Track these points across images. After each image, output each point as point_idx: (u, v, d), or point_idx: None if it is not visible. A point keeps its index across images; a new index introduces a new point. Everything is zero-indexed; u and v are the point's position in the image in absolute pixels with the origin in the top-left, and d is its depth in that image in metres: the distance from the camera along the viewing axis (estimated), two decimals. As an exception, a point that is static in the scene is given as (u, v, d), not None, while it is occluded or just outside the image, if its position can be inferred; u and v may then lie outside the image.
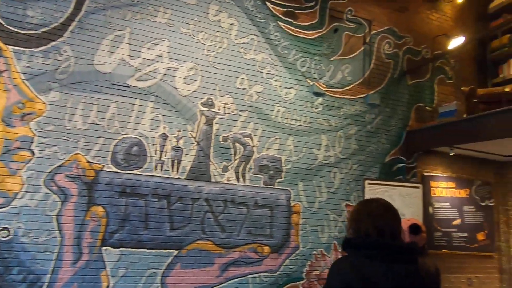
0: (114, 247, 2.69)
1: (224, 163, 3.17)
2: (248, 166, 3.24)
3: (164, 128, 3.00)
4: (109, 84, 2.86)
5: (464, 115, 3.32)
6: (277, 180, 3.32)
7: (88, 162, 2.72)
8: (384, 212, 1.17)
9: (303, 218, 3.34)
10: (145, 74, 3.00)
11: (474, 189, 4.11)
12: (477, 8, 4.62)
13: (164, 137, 2.99)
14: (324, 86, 3.66)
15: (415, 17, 4.29)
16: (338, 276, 1.09)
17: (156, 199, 2.87)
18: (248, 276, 3.07)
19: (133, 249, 2.74)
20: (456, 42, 3.98)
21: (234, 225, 3.09)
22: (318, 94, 3.60)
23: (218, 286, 2.97)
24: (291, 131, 3.46)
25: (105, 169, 2.76)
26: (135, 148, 2.88)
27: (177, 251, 2.88)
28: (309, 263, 3.29)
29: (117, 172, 2.79)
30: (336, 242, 3.42)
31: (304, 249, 3.29)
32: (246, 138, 3.28)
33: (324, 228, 3.40)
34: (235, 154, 3.22)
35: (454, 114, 3.41)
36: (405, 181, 3.64)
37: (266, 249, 3.17)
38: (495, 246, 4.08)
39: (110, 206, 2.72)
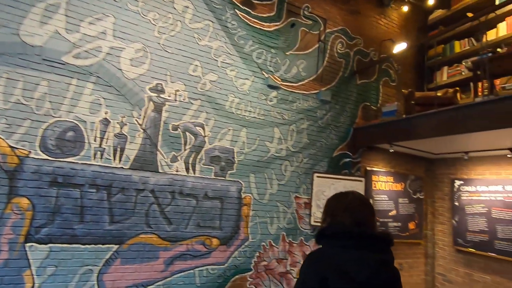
0: (41, 243, 2.40)
1: (173, 153, 3.02)
2: (199, 156, 3.14)
3: (106, 112, 2.74)
4: (39, 59, 2.51)
5: (403, 115, 3.61)
6: (229, 172, 3.27)
7: (10, 147, 2.37)
8: (361, 204, 1.18)
9: (253, 210, 3.35)
10: (85, 51, 2.70)
11: (408, 183, 4.54)
12: (419, 19, 5.05)
13: (106, 122, 2.73)
14: (279, 79, 3.69)
15: (366, 21, 4.54)
16: (314, 267, 1.06)
17: (94, 190, 2.62)
18: (195, 269, 2.99)
19: (65, 245, 2.48)
20: (399, 47, 4.30)
21: (182, 218, 2.98)
22: (273, 87, 3.61)
23: (162, 281, 2.84)
24: (244, 123, 3.43)
25: (31, 155, 2.43)
26: (70, 133, 2.59)
27: (117, 246, 2.68)
28: (257, 254, 3.32)
29: (47, 159, 2.48)
30: (285, 233, 3.50)
31: (253, 240, 3.31)
32: (197, 128, 3.17)
33: (273, 219, 3.46)
34: (185, 144, 3.09)
35: (395, 113, 3.69)
36: (350, 174, 3.86)
37: (215, 241, 3.11)
38: (423, 234, 4.57)
39: (37, 198, 2.42)
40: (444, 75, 4.57)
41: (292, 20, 3.85)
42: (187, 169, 3.06)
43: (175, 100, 3.08)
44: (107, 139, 2.72)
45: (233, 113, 3.37)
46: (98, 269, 2.59)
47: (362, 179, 3.67)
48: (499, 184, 3.86)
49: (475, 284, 3.96)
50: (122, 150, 2.77)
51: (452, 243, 4.30)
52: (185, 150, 3.08)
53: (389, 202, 4.30)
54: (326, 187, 3.64)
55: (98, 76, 2.73)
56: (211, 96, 3.27)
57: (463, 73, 4.31)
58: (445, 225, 4.46)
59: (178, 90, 3.10)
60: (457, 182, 4.36)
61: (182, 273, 2.93)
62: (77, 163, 2.58)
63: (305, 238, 3.62)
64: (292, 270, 3.49)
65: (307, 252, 3.53)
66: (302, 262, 1.12)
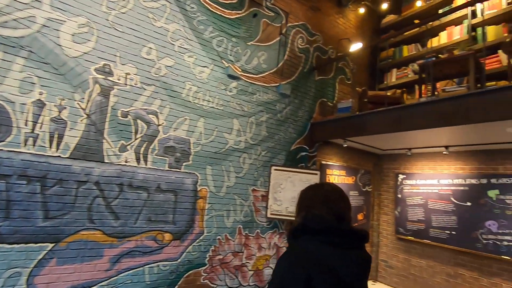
0: (-48, 244, 2.02)
1: (122, 141, 2.77)
2: (151, 146, 2.92)
3: (41, 93, 2.40)
4: (-48, 24, 2.08)
5: (357, 112, 3.78)
6: (184, 164, 3.11)
7: None
8: (339, 196, 1.08)
9: (209, 203, 3.25)
10: (14, 20, 2.31)
11: (358, 177, 4.81)
12: (373, 21, 5.34)
13: (40, 104, 2.39)
14: (240, 70, 3.60)
15: (326, 19, 4.65)
16: (295, 269, 0.93)
17: (24, 182, 2.28)
18: (145, 266, 2.80)
19: (-15, 245, 2.12)
20: (355, 46, 4.49)
21: (131, 212, 2.76)
22: (233, 77, 3.51)
23: (107, 281, 2.61)
24: (202, 113, 3.28)
25: None
26: (-7, 115, 2.21)
27: (53, 244, 2.38)
28: (212, 248, 3.23)
29: (-39, 145, 2.08)
30: (241, 226, 3.46)
31: (208, 234, 3.21)
32: (150, 116, 2.94)
33: (230, 212, 3.39)
34: (136, 133, 2.85)
35: (350, 110, 3.85)
36: (306, 168, 3.95)
37: (168, 236, 2.95)
38: (370, 224, 4.90)
39: None
40: (393, 77, 4.90)
41: (254, 10, 3.77)
42: (137, 160, 2.83)
43: (125, 84, 2.81)
44: (42, 123, 2.38)
45: (190, 101, 3.21)
46: (29, 271, 2.28)
47: (318, 172, 3.78)
48: (435, 178, 4.28)
49: (412, 268, 4.36)
50: (61, 137, 2.46)
51: (394, 232, 4.68)
52: (136, 139, 2.84)
53: (341, 195, 4.51)
54: (283, 180, 3.67)
55: (30, 51, 2.36)
56: (166, 82, 3.06)
57: (409, 76, 4.66)
58: (389, 216, 4.83)
59: (129, 74, 2.83)
60: (400, 176, 4.74)
61: (130, 271, 2.72)
62: (2, 150, 2.21)
63: (262, 231, 3.63)
64: (248, 262, 3.47)
65: (263, 245, 3.54)
66: (276, 264, 0.99)
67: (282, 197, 3.63)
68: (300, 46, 4.26)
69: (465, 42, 3.84)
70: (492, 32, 3.75)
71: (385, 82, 5.02)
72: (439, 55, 3.70)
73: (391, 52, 5.01)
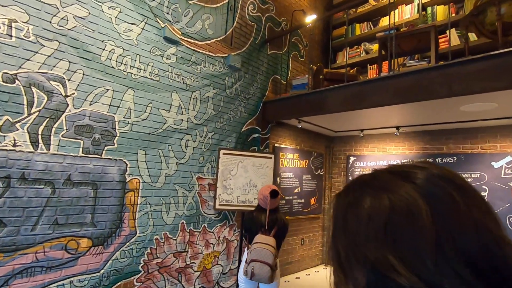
0: None
1: (7, 117, 1.96)
2: (55, 125, 2.16)
3: None
4: None
5: (312, 90, 3.47)
6: (107, 148, 2.41)
7: None
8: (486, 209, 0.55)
9: (143, 197, 2.62)
10: None
11: (311, 160, 4.61)
12: (326, -3, 5.07)
13: None
14: (179, 33, 2.94)
15: (279, -13, 4.20)
16: None
17: None
18: (51, 285, 2.10)
19: None
20: (309, 18, 4.15)
21: (26, 215, 2.00)
22: (171, 41, 2.85)
23: (-11, 313, 1.85)
24: (131, 83, 2.58)
25: None
26: None
27: None
28: (148, 251, 2.63)
29: None
30: (185, 221, 2.92)
31: (142, 235, 2.60)
32: (53, 83, 2.16)
33: (170, 206, 2.81)
34: (30, 105, 2.05)
35: (305, 87, 3.52)
36: (259, 151, 3.54)
37: (85, 242, 2.26)
38: (322, 208, 4.79)
39: None
40: (345, 56, 4.72)
41: (197, -40, 3.11)
42: (34, 143, 2.05)
43: (10, 36, 1.97)
44: None
45: (113, 67, 2.47)
46: None
47: (272, 156, 3.40)
48: (385, 159, 4.28)
49: (362, 249, 4.36)
50: None
51: (345, 215, 4.63)
52: (30, 114, 2.05)
53: (294, 180, 4.25)
54: (233, 166, 3.20)
55: None
56: (77, 39, 2.27)
57: (362, 55, 4.53)
58: (340, 199, 4.76)
59: (14, 21, 1.99)
60: (352, 158, 4.67)
61: (27, 295, 1.99)
62: None
63: (209, 225, 3.13)
64: (193, 263, 2.97)
65: (211, 240, 3.06)
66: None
67: (232, 185, 3.17)
68: (251, 14, 3.74)
69: (418, 20, 3.77)
70: (441, 12, 3.75)
71: (337, 62, 4.84)
72: (401, 29, 3.56)
73: (344, 31, 4.82)
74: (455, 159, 3.63)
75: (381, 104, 2.65)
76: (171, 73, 2.88)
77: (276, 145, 3.98)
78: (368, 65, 4.42)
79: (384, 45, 3.00)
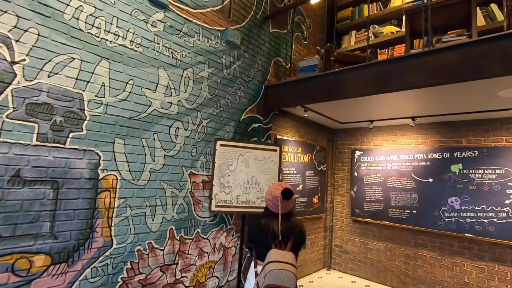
0: None
1: None
2: (-3, 101, 1.57)
3: None
4: None
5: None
6: (72, 135, 1.84)
7: None
8: None
9: (121, 198, 2.06)
10: None
11: (314, 154, 4.16)
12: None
13: None
14: (169, -5, 2.39)
15: (281, -43, 3.68)
16: None
17: None
18: (-9, 321, 1.53)
19: None
20: (317, -5, 3.67)
21: (-49, 226, 1.41)
22: (157, 3, 2.29)
23: None
24: (105, 52, 2.01)
25: None
26: None
27: None
28: (128, 266, 2.09)
29: None
30: (174, 227, 2.39)
31: (120, 246, 2.05)
32: (-7, 43, 1.56)
33: (156, 209, 2.27)
34: (-43, 72, 1.45)
35: (315, 69, 3.05)
36: (260, 143, 3.04)
37: (40, 260, 1.69)
38: (324, 207, 4.37)
39: None
40: (352, 40, 4.30)
41: None
42: (-36, 126, 1.46)
43: None
44: None
45: (81, 30, 1.89)
46: None
47: (277, 148, 2.91)
48: (395, 154, 3.89)
49: (369, 252, 3.99)
50: None
51: (350, 214, 4.24)
52: (-44, 84, 1.45)
53: (297, 176, 3.79)
54: (233, 159, 2.69)
55: None
56: (29, -14, 1.68)
57: (371, 39, 4.10)
58: (344, 197, 4.36)
59: None
60: (357, 153, 4.27)
61: None
62: None
63: (203, 230, 2.62)
64: (185, 277, 2.45)
65: (205, 248, 2.56)
66: None
67: (231, 182, 2.66)
68: (252, -17, 3.21)
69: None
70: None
71: (343, 46, 4.39)
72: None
73: (349, 12, 4.38)
74: (476, 153, 3.28)
75: (414, 86, 2.21)
76: (158, 44, 2.32)
77: (278, 136, 3.50)
78: (378, 49, 4.00)
79: (411, 20, 2.56)
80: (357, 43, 4.24)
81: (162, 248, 2.30)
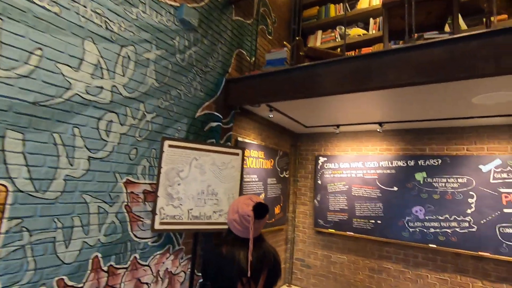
0: None
1: None
2: None
3: None
4: None
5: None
6: None
7: None
8: None
9: (13, 219, 1.41)
10: None
11: (277, 160, 3.80)
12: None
13: None
14: None
15: None
16: None
17: None
18: None
19: None
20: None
21: None
22: (86, -48, 1.70)
23: None
24: (-7, 2, 1.36)
25: None
26: None
27: None
28: (21, 319, 1.43)
29: None
30: (100, 255, 1.77)
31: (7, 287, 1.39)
32: None
33: (72, 232, 1.64)
34: None
35: (284, 63, 2.69)
36: (221, 145, 2.55)
37: None
38: (286, 218, 4.02)
39: None
40: (318, 40, 4.08)
41: None
42: None
43: None
44: None
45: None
46: None
47: (239, 151, 2.46)
48: (360, 161, 3.72)
49: (332, 266, 3.73)
50: None
51: (312, 225, 3.95)
52: None
53: (259, 184, 3.38)
54: (184, 164, 2.16)
55: None
56: None
57: (337, 40, 3.92)
58: (306, 206, 4.07)
59: None
60: (321, 159, 4.02)
61: None
62: None
63: (142, 255, 2.03)
64: (113, 321, 1.83)
65: (145, 278, 1.98)
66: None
67: (182, 192, 2.13)
68: (213, -42, 2.75)
69: None
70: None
71: (308, 45, 4.15)
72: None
73: (316, 11, 4.17)
74: (439, 162, 3.23)
75: (397, 85, 1.96)
76: (85, 7, 1.71)
77: (239, 139, 3.05)
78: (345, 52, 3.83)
79: (390, 15, 2.34)
80: (324, 43, 4.03)
81: (81, 285, 1.67)
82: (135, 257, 1.97)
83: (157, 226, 2.02)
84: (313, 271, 3.86)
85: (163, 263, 2.18)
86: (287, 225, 4.08)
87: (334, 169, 3.89)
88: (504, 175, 2.90)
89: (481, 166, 3.03)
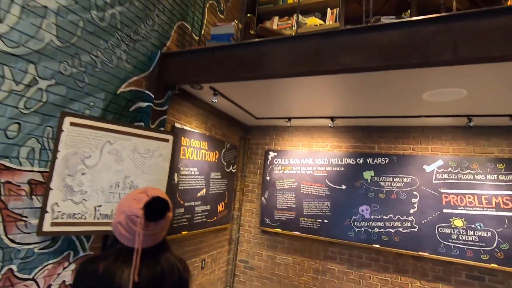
0: None
1: None
2: None
3: None
4: None
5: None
6: None
7: None
8: None
9: None
10: None
11: (223, 153, 3.45)
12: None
13: None
14: None
15: None
16: None
17: None
18: None
19: None
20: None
21: None
22: None
23: None
24: None
25: None
26: None
27: None
28: None
29: None
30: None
31: None
32: None
33: None
34: None
35: (231, 39, 2.34)
36: (148, 129, 2.11)
37: None
38: (231, 216, 3.69)
39: None
40: (274, 26, 3.81)
41: None
42: None
43: None
44: None
45: None
46: None
47: (170, 137, 2.05)
48: (310, 157, 3.55)
49: (277, 267, 3.50)
50: None
51: (259, 224, 3.69)
52: None
53: (199, 178, 2.99)
54: (94, 148, 1.70)
55: None
56: None
57: (293, 28, 3.69)
58: (254, 204, 3.79)
59: None
60: (271, 154, 3.77)
61: None
62: None
63: (24, 265, 1.53)
64: None
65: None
66: None
67: (87, 184, 1.66)
68: None
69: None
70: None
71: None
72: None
73: (273, -4, 3.90)
74: (387, 160, 3.18)
75: (352, 69, 1.74)
76: None
77: (177, 125, 2.64)
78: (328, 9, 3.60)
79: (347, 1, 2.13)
80: (280, 30, 3.77)
81: None
82: (10, 269, 1.46)
83: (46, 227, 1.53)
84: (256, 273, 3.60)
85: (58, 274, 1.69)
86: (232, 224, 3.77)
87: (284, 165, 3.67)
88: (445, 176, 2.93)
89: (425, 166, 3.03)
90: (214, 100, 2.60)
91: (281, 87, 2.37)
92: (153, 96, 2.26)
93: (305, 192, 3.49)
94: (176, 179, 2.61)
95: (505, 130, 2.81)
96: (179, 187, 2.66)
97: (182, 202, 2.71)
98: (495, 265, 2.61)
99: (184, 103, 2.74)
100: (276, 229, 3.54)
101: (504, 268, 2.59)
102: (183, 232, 2.71)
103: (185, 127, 2.76)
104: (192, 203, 2.87)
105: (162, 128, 2.32)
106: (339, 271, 3.21)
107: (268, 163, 3.76)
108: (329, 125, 3.15)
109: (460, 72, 1.76)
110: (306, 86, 2.26)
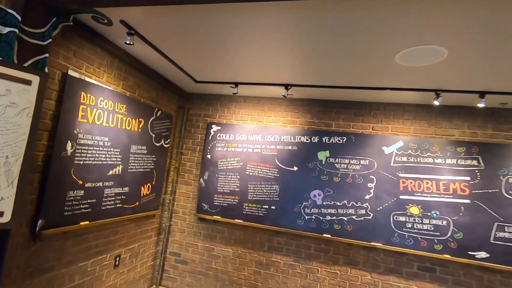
0: None
1: None
2: None
3: None
4: None
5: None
6: None
7: None
8: None
9: None
10: None
11: (151, 122, 2.74)
12: None
13: None
14: None
15: None
16: None
17: None
18: None
19: None
20: None
21: None
22: None
23: None
24: None
25: None
26: None
27: None
28: None
29: None
30: None
31: None
32: None
33: None
34: None
35: None
36: (7, 65, 1.32)
37: None
38: (160, 201, 3.03)
39: None
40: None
41: None
42: None
43: None
44: None
45: None
46: None
47: (36, 77, 1.30)
48: (259, 133, 3.02)
49: (214, 260, 2.98)
50: None
51: (195, 210, 3.09)
52: None
53: (111, 152, 2.26)
54: None
55: None
56: None
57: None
58: (190, 186, 3.17)
59: None
60: (214, 128, 3.16)
61: None
62: None
63: None
64: None
65: None
66: None
67: None
68: None
69: None
70: None
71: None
72: None
73: None
74: (344, 140, 2.79)
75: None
76: None
77: (72, 73, 1.85)
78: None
79: None
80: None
81: None
82: None
83: None
84: (190, 268, 3.03)
85: None
86: (162, 210, 3.11)
87: (229, 142, 3.09)
88: (404, 159, 2.64)
89: (384, 148, 2.71)
90: (127, 42, 1.86)
91: (222, 31, 1.74)
92: (19, 18, 1.46)
93: (251, 174, 2.97)
94: (69, 150, 1.86)
95: (467, 111, 2.58)
96: (75, 161, 1.92)
97: (80, 182, 1.97)
98: (448, 256, 2.41)
99: (87, 44, 1.95)
100: (215, 217, 2.99)
101: (455, 258, 2.40)
102: (81, 223, 1.99)
103: (88, 79, 1.98)
104: (100, 184, 2.14)
105: (35, 70, 1.53)
106: (284, 264, 2.80)
107: (210, 138, 3.14)
108: (283, 94, 2.62)
109: (445, 24, 1.33)
110: (255, 29, 1.67)
